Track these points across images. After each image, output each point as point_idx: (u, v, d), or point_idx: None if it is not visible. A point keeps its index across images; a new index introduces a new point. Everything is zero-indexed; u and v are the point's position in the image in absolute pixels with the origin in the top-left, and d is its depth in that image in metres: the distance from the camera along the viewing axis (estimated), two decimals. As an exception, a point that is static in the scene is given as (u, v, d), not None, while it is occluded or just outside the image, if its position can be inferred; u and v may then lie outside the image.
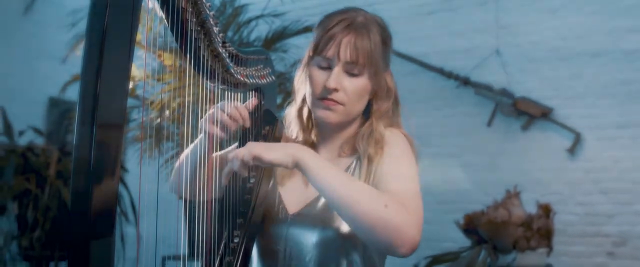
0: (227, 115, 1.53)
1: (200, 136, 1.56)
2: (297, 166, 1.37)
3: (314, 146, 1.62)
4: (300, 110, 1.63)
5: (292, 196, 1.56)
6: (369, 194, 1.33)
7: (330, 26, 1.50)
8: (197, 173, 1.51)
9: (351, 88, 1.50)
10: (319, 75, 1.52)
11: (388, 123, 1.57)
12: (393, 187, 1.39)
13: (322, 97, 1.51)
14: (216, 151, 1.58)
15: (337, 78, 1.49)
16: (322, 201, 1.50)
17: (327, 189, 1.34)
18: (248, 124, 1.57)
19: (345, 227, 1.45)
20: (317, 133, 1.63)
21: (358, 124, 1.59)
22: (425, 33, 6.16)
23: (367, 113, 1.59)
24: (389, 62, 1.59)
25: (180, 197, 1.62)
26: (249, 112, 1.59)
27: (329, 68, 1.50)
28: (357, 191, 1.33)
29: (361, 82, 1.51)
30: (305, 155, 1.37)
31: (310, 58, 1.55)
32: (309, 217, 1.50)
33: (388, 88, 1.58)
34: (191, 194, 1.55)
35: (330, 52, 1.49)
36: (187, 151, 1.59)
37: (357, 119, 1.59)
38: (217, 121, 1.52)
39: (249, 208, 1.50)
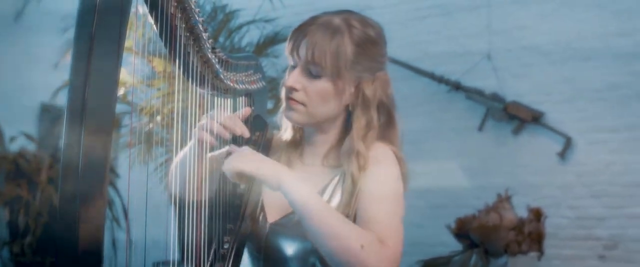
0: (221, 124, 1.50)
1: (191, 142, 1.53)
2: (280, 189, 1.37)
3: (301, 148, 1.60)
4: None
5: (274, 204, 1.52)
6: (347, 231, 1.33)
7: (301, 25, 1.49)
8: (187, 179, 1.50)
9: (311, 88, 1.46)
10: (287, 75, 1.51)
11: (373, 138, 1.50)
12: (374, 220, 1.38)
13: (286, 96, 1.50)
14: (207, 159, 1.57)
15: (296, 77, 1.47)
16: (290, 217, 1.48)
17: (306, 218, 1.35)
18: (244, 133, 1.54)
19: None
20: (303, 136, 1.61)
21: (339, 129, 1.54)
22: (418, 38, 6.16)
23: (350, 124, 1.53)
24: (370, 69, 1.50)
25: (172, 196, 1.60)
26: (243, 121, 1.57)
27: (295, 67, 1.49)
28: (336, 225, 1.34)
29: (321, 84, 1.46)
30: (290, 179, 1.37)
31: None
32: (286, 228, 1.47)
33: (365, 98, 1.49)
34: (183, 196, 1.54)
35: (293, 51, 1.48)
36: (180, 155, 1.57)
37: (335, 124, 1.53)
38: (209, 130, 1.49)
39: (239, 213, 1.49)
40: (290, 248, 1.46)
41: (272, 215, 1.52)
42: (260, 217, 1.53)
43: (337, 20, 1.47)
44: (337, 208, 1.44)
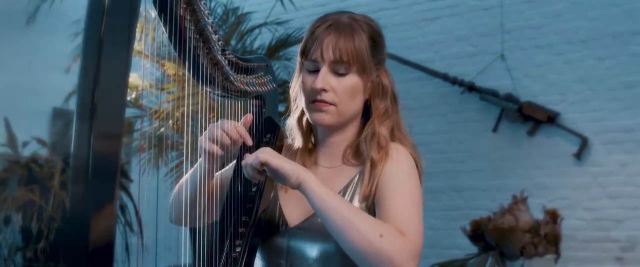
0: (226, 133, 1.51)
1: (200, 159, 1.55)
2: (299, 187, 1.39)
3: (315, 153, 1.60)
4: (299, 119, 1.61)
5: (293, 208, 1.54)
6: (366, 222, 1.35)
7: (313, 29, 1.51)
8: (197, 196, 1.51)
9: (340, 87, 1.49)
10: (309, 79, 1.51)
11: (390, 124, 1.55)
12: (394, 212, 1.40)
13: (313, 99, 1.51)
14: (217, 170, 1.57)
15: (324, 78, 1.48)
16: (312, 220, 1.49)
17: (326, 214, 1.36)
18: (249, 141, 1.55)
19: None
20: (318, 140, 1.61)
21: (357, 126, 1.58)
22: (430, 39, 6.15)
23: (367, 116, 1.57)
24: (382, 60, 1.58)
25: (180, 225, 1.60)
26: (248, 128, 1.57)
27: (317, 71, 1.50)
28: (355, 219, 1.35)
29: (349, 81, 1.50)
30: (310, 178, 1.39)
31: (301, 64, 1.55)
32: (309, 230, 1.49)
33: (383, 86, 1.56)
34: (191, 220, 1.54)
35: (315, 54, 1.49)
36: (186, 177, 1.58)
37: (355, 121, 1.57)
38: (216, 140, 1.51)
39: (251, 217, 1.48)
40: (313, 251, 1.47)
41: (292, 220, 1.53)
42: (281, 223, 1.54)
43: (345, 19, 1.52)
44: (359, 197, 1.48)
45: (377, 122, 1.53)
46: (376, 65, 1.55)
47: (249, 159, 1.41)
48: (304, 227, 1.50)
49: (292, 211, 1.54)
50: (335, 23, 1.50)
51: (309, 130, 1.62)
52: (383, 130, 1.52)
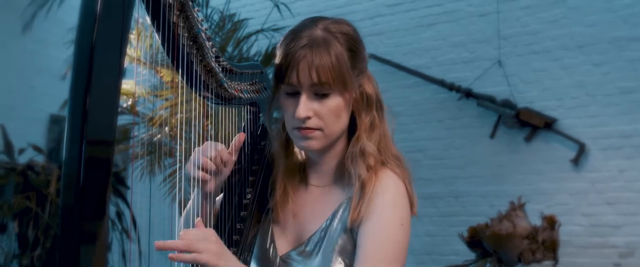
0: (209, 158, 1.46)
1: (193, 192, 1.50)
2: None
3: (306, 171, 1.55)
4: (284, 141, 1.53)
5: (284, 235, 1.49)
6: None
7: (287, 50, 1.41)
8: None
9: (324, 110, 1.40)
10: (289, 104, 1.42)
11: (377, 136, 1.46)
12: (370, 258, 1.36)
13: (297, 126, 1.42)
14: (212, 193, 1.50)
15: (306, 105, 1.39)
16: (313, 244, 1.44)
17: None
18: (228, 168, 1.50)
19: None
20: (306, 158, 1.55)
21: (345, 140, 1.50)
22: (427, 45, 6.15)
23: (352, 127, 1.49)
24: (363, 68, 1.47)
25: None
26: (236, 149, 1.53)
27: (296, 93, 1.41)
28: None
29: (332, 102, 1.40)
30: None
31: (277, 87, 1.45)
32: (296, 261, 1.45)
33: (367, 97, 1.47)
34: None
35: (291, 78, 1.39)
36: (188, 207, 1.54)
37: (342, 136, 1.49)
38: (201, 166, 1.45)
39: (245, 224, 1.47)
40: None
41: (283, 247, 1.48)
42: (271, 250, 1.49)
43: (319, 33, 1.41)
44: (346, 225, 1.42)
45: (364, 136, 1.45)
46: (358, 76, 1.45)
47: (192, 254, 1.30)
48: (292, 256, 1.46)
49: (283, 238, 1.49)
50: (310, 41, 1.39)
51: (292, 150, 1.55)
52: (370, 148, 1.44)
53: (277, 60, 1.43)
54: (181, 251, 1.29)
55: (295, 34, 1.42)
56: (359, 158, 1.43)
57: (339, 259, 1.41)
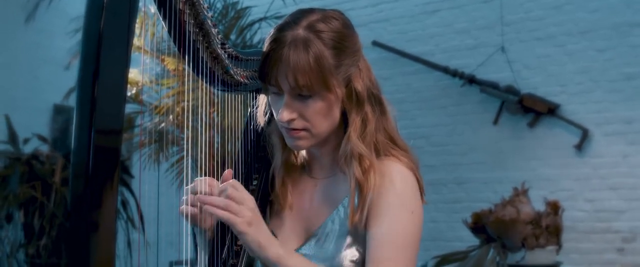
0: (198, 199, 1.37)
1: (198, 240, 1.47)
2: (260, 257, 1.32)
3: (310, 166, 1.54)
4: (281, 135, 1.49)
5: (286, 234, 1.47)
6: None
7: (268, 50, 1.37)
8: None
9: (308, 111, 1.37)
10: (275, 102, 1.41)
11: (371, 134, 1.42)
12: (382, 260, 1.34)
13: (284, 127, 1.40)
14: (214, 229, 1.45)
15: (288, 108, 1.36)
16: (324, 234, 1.43)
17: None
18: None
19: None
20: (307, 152, 1.53)
21: (340, 134, 1.45)
22: (430, 31, 6.14)
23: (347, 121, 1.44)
24: (352, 63, 1.40)
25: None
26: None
27: (282, 93, 1.38)
28: None
29: (316, 103, 1.37)
30: (280, 254, 1.31)
31: (264, 84, 1.42)
32: (308, 253, 1.42)
33: (357, 94, 1.40)
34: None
35: (272, 80, 1.36)
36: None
37: (337, 131, 1.45)
38: (192, 205, 1.39)
39: None
40: None
41: (289, 240, 1.46)
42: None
43: (301, 32, 1.35)
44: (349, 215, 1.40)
45: (354, 136, 1.40)
46: (345, 73, 1.39)
47: (231, 217, 1.28)
48: (303, 249, 1.44)
49: (286, 236, 1.47)
50: (290, 41, 1.34)
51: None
52: (361, 148, 1.39)
53: (261, 60, 1.40)
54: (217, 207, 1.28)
55: (278, 32, 1.38)
56: (351, 159, 1.40)
57: (353, 248, 1.40)
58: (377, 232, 1.35)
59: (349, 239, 1.40)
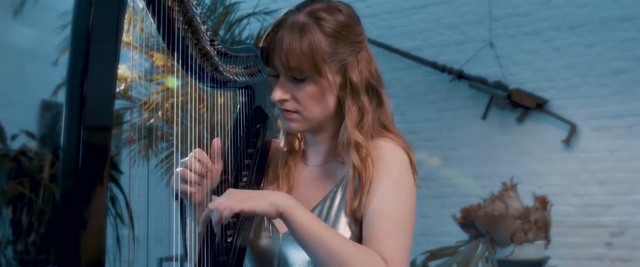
0: (193, 171, 1.44)
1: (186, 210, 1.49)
2: (281, 217, 1.31)
3: (304, 150, 1.56)
4: None
5: None
6: (350, 254, 1.29)
7: (267, 33, 1.42)
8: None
9: (300, 94, 1.41)
10: (273, 84, 1.44)
11: (368, 124, 1.44)
12: (379, 239, 1.34)
13: (279, 108, 1.44)
14: (204, 204, 1.46)
15: (281, 88, 1.41)
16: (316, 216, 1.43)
17: (310, 245, 1.30)
18: (214, 175, 1.48)
19: None
20: (305, 138, 1.56)
21: (337, 123, 1.48)
22: (419, 27, 6.15)
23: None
24: (351, 52, 1.43)
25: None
26: (217, 155, 1.49)
27: (278, 76, 1.42)
28: (338, 249, 1.28)
29: (308, 86, 1.40)
30: (290, 205, 1.30)
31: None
32: None
33: (352, 84, 1.43)
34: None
35: (269, 62, 1.41)
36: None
37: (333, 118, 1.47)
38: (187, 180, 1.44)
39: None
40: (305, 257, 1.40)
41: (283, 226, 1.43)
42: (271, 228, 1.48)
43: (302, 18, 1.40)
44: (345, 209, 1.41)
45: (350, 125, 1.43)
46: (340, 62, 1.42)
47: (221, 205, 1.29)
48: None
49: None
50: (290, 26, 1.39)
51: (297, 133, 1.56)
52: (358, 136, 1.42)
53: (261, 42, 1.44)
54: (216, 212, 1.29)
55: (283, 16, 1.43)
56: (349, 147, 1.42)
57: (347, 229, 1.41)
58: (374, 209, 1.37)
59: (342, 220, 1.42)
